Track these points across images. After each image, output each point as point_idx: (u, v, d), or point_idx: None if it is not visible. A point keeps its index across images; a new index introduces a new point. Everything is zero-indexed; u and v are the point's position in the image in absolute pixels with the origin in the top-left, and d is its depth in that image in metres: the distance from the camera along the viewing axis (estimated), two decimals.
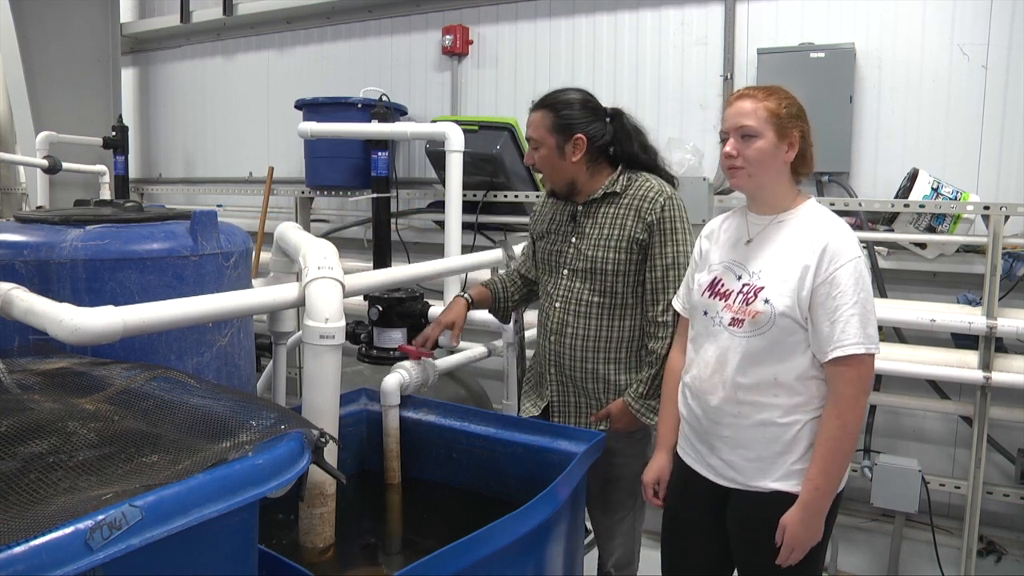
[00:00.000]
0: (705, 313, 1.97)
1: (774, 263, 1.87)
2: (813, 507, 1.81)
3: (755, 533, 1.90)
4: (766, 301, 1.84)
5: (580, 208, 2.42)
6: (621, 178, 2.38)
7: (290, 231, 2.42)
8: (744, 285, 1.89)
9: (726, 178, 1.98)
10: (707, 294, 1.97)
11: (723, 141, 1.92)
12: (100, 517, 0.95)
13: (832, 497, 1.84)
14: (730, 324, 1.89)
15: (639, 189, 2.35)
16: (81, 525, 0.93)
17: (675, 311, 2.22)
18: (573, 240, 2.42)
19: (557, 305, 2.43)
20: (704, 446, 1.99)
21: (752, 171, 1.87)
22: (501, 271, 2.86)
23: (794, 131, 1.86)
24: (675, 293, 2.24)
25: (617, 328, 2.38)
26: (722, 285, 1.94)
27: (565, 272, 2.43)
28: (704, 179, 3.40)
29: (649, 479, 2.17)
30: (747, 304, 1.87)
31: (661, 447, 2.16)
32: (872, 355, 1.79)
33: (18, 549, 0.88)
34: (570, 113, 2.35)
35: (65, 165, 4.88)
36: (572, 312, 2.40)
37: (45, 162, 4.82)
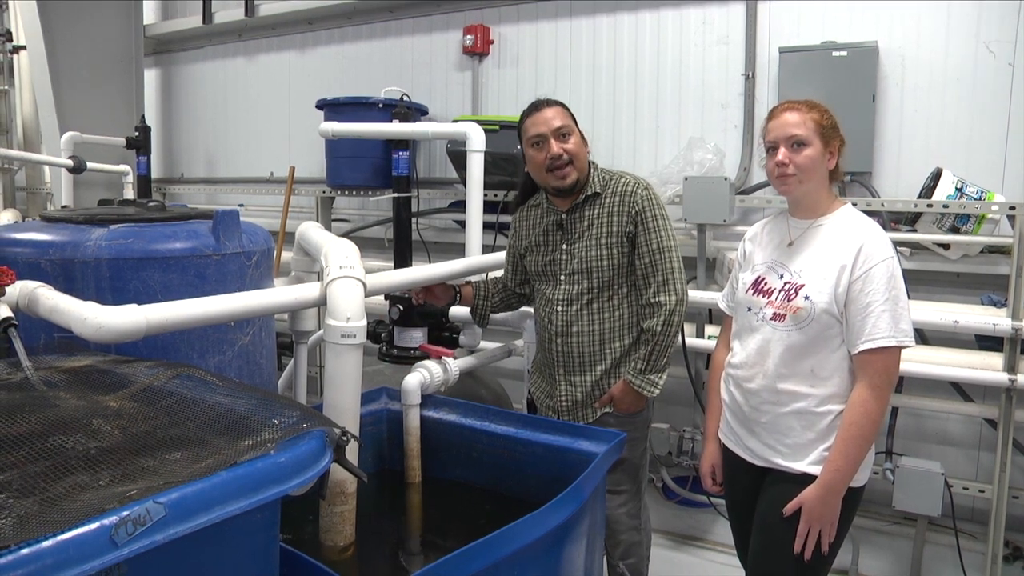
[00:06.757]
0: (749, 309, 2.12)
1: (814, 263, 2.00)
2: (832, 487, 1.94)
3: (779, 510, 2.00)
4: (806, 298, 1.98)
5: (564, 215, 2.53)
6: (598, 178, 2.51)
7: (311, 230, 2.44)
8: (786, 283, 2.03)
9: (774, 187, 2.10)
10: (751, 292, 2.12)
11: (770, 151, 2.05)
12: (125, 513, 0.96)
13: (849, 480, 1.95)
14: (772, 319, 2.04)
15: (617, 186, 2.49)
16: (106, 521, 0.95)
17: (668, 291, 2.41)
18: (564, 247, 2.54)
19: (559, 309, 2.54)
20: (744, 429, 2.14)
21: (802, 177, 2.01)
22: (493, 274, 2.92)
23: (835, 141, 2.02)
24: (665, 275, 2.42)
25: (618, 317, 2.50)
26: (765, 283, 2.09)
27: (562, 278, 2.54)
28: (725, 179, 3.38)
29: (705, 469, 2.33)
30: (789, 300, 2.00)
31: (710, 437, 2.30)
32: (900, 348, 1.90)
33: (46, 543, 0.89)
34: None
35: (89, 165, 4.93)
36: (575, 313, 2.52)
37: (70, 162, 4.88)
